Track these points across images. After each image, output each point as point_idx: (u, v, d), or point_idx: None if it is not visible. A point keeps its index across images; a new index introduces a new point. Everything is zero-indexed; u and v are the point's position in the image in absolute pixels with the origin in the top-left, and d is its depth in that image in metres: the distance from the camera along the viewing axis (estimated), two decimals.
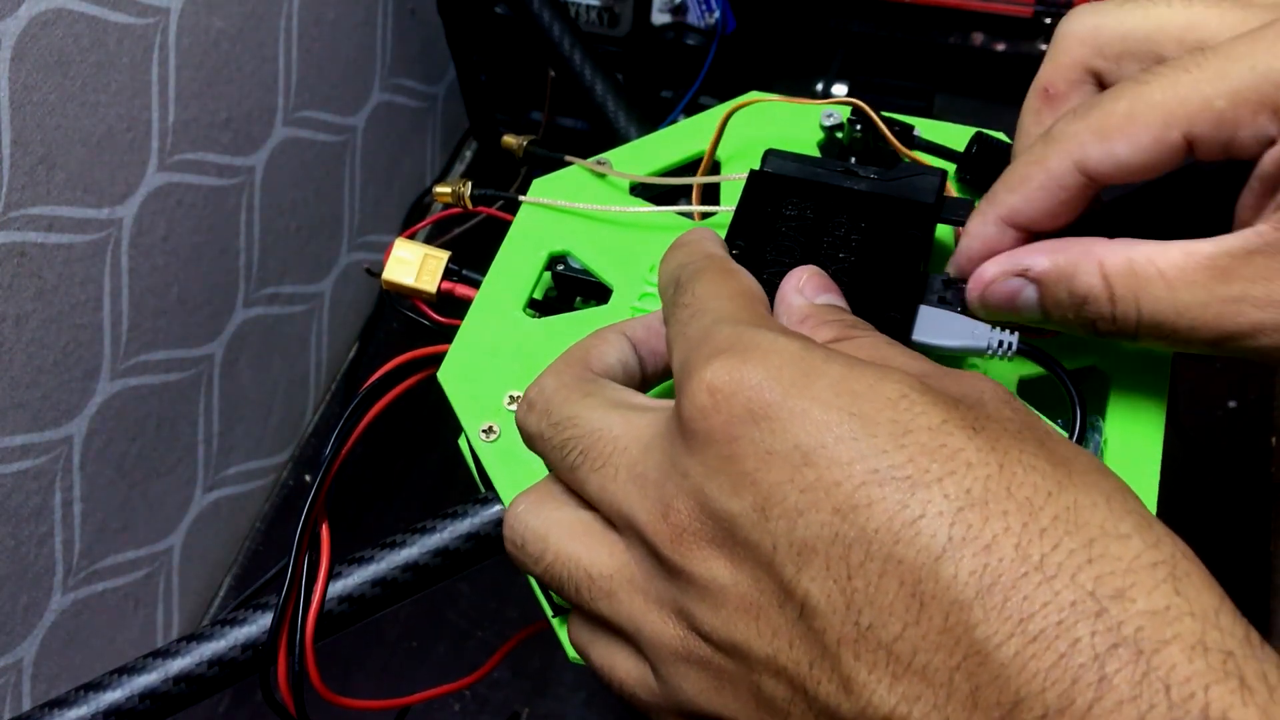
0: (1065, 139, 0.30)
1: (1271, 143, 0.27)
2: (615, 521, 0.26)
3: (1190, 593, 0.21)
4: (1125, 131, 0.28)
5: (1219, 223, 0.29)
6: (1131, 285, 0.29)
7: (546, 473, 0.30)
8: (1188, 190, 0.33)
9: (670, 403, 0.26)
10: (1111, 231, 0.30)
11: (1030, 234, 0.31)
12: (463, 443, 0.40)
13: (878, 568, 0.21)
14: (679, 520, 0.24)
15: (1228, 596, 0.21)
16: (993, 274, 0.31)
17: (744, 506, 0.23)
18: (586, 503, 0.28)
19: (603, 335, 0.31)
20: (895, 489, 0.22)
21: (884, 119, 0.39)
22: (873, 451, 0.22)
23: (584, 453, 0.27)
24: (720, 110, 0.42)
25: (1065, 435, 0.28)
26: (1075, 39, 0.32)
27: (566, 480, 0.28)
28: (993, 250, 0.32)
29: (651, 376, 0.31)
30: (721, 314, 0.27)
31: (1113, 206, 0.33)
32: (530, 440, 0.29)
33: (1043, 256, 0.31)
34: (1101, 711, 0.19)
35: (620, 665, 0.27)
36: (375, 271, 0.43)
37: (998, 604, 0.20)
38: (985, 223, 0.32)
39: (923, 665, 0.21)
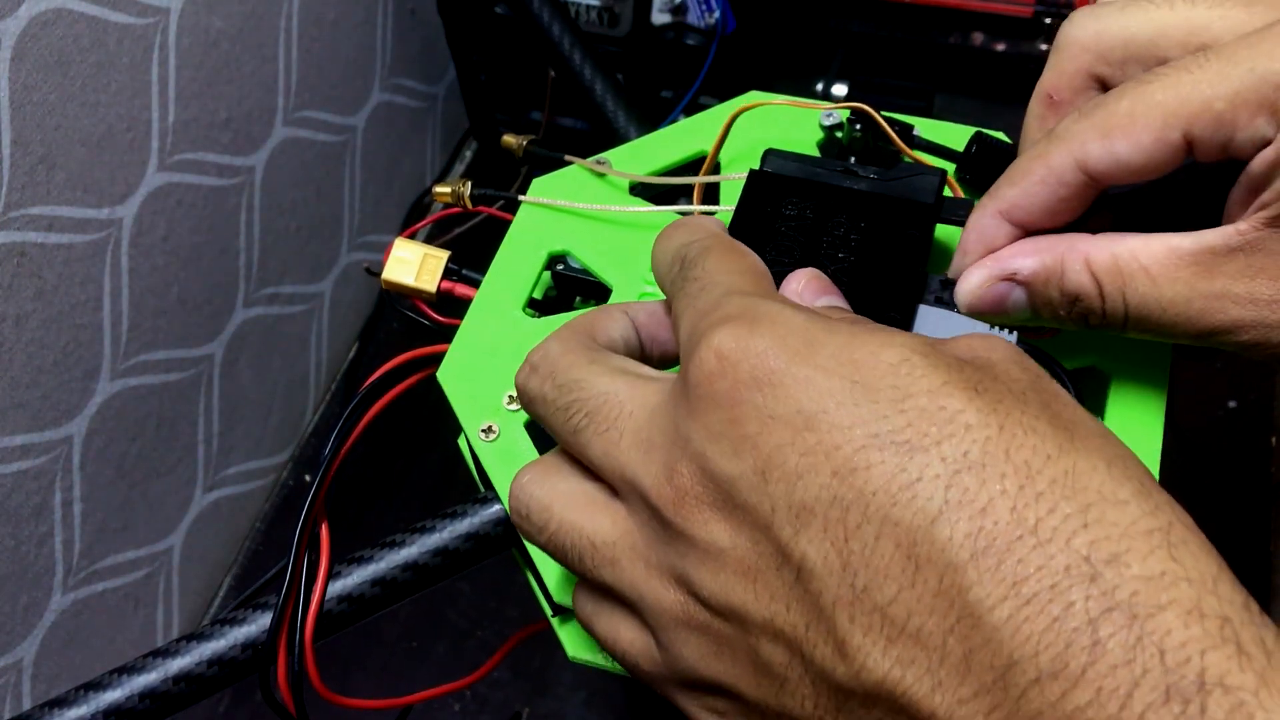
0: (1068, 137, 0.30)
1: (1266, 143, 0.27)
2: (618, 486, 0.27)
3: (1187, 559, 0.20)
4: (1126, 130, 0.28)
5: (1217, 224, 0.29)
6: (1118, 281, 0.29)
7: None
8: (1189, 191, 0.33)
9: (674, 375, 0.26)
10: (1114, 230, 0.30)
11: (1028, 232, 0.31)
12: (462, 442, 0.40)
13: (874, 530, 0.22)
14: (682, 483, 0.24)
15: (1226, 565, 0.21)
16: (979, 279, 0.32)
17: (744, 469, 0.23)
18: (590, 474, 0.28)
19: (607, 311, 0.31)
20: (894, 453, 0.22)
21: (884, 119, 0.39)
22: (873, 416, 0.22)
23: (589, 415, 0.27)
24: (722, 110, 0.42)
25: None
26: (1079, 45, 0.32)
27: (568, 443, 0.28)
28: (991, 246, 0.32)
29: (649, 361, 0.31)
30: (731, 287, 0.27)
31: (1114, 203, 0.33)
32: (532, 403, 0.29)
33: (1029, 258, 0.31)
34: (1095, 675, 0.19)
35: (624, 635, 0.27)
36: (375, 271, 0.43)
37: (991, 567, 0.20)
38: (984, 216, 0.32)
39: (917, 628, 0.21)
